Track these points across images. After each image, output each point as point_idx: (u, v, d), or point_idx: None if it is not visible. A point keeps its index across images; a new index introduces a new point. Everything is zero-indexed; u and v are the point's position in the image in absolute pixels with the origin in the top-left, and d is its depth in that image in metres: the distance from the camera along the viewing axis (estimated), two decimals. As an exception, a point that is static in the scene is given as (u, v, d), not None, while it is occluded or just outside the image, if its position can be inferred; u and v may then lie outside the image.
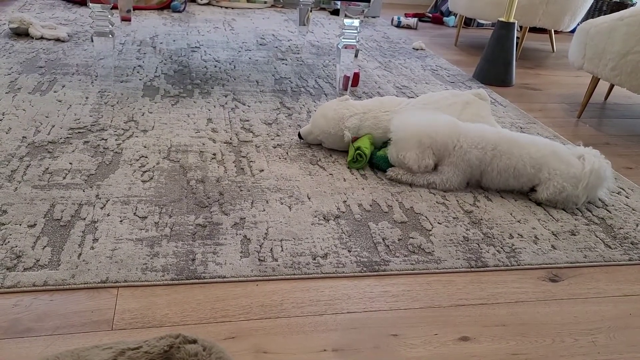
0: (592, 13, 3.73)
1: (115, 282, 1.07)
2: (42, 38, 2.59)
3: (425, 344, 1.00)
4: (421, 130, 1.53)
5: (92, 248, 1.16)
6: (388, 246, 1.26)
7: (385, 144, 1.63)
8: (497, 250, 1.29)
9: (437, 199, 1.49)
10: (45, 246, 1.15)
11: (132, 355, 0.64)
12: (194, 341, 0.65)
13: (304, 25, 2.92)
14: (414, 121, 1.55)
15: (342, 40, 2.09)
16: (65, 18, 3.06)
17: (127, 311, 1.00)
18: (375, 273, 1.17)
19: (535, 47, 3.52)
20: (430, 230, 1.34)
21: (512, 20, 2.56)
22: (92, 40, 1.97)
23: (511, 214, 1.45)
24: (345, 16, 2.07)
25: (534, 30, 3.73)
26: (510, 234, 1.36)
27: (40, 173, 1.43)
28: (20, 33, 2.59)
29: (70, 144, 1.61)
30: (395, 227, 1.34)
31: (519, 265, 1.25)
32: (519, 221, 1.43)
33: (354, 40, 2.10)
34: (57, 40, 2.60)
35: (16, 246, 1.14)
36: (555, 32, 3.46)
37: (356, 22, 2.07)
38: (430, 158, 1.52)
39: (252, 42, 2.93)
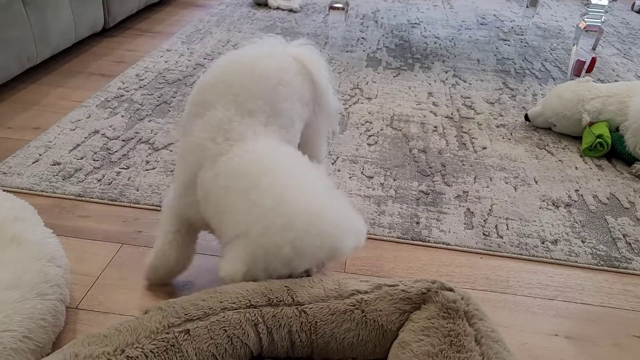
0: None
1: (346, 231, 1.14)
2: (278, 8, 2.85)
3: (675, 356, 0.89)
4: None
5: (326, 197, 1.25)
6: (630, 244, 1.14)
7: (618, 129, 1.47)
8: None
9: (691, 203, 1.30)
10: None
11: (389, 290, 0.68)
12: (452, 289, 0.66)
13: (532, 6, 2.74)
14: None
15: (585, 19, 1.91)
16: (296, -8, 3.31)
17: (358, 258, 1.07)
18: (614, 269, 1.07)
19: None
20: (682, 236, 1.18)
21: None
22: (328, 12, 2.10)
23: None
24: (591, -6, 1.88)
25: None
26: None
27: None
28: (261, 3, 2.88)
29: (305, 103, 1.75)
30: (639, 226, 1.20)
31: None
32: None
33: (599, 21, 1.90)
34: (290, 10, 2.83)
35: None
36: None
37: (604, 1, 1.88)
38: None
39: (472, 21, 2.84)
